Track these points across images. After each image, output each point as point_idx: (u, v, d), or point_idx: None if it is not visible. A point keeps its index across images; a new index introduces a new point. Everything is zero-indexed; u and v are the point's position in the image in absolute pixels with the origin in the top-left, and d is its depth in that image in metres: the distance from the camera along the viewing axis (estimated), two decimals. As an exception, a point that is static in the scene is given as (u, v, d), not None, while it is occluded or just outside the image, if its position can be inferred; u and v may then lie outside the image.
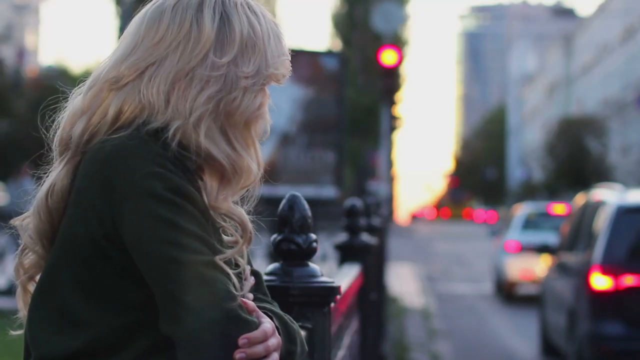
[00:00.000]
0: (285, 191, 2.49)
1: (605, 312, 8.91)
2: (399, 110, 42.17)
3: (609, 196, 9.92)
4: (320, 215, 11.56)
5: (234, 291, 1.85)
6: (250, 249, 2.11)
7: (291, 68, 2.07)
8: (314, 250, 2.36)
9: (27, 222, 2.03)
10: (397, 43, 40.22)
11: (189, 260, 1.83)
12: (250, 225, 2.00)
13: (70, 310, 1.92)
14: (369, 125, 40.47)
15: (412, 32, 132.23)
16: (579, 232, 10.43)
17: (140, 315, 1.90)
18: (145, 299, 1.89)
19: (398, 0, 33.40)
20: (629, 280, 8.87)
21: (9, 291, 13.60)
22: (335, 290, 2.40)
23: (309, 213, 2.36)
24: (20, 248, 2.05)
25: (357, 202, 5.43)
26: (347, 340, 3.73)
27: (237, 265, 1.95)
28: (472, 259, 31.50)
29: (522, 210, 21.25)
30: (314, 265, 2.39)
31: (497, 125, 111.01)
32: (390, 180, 30.61)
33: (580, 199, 11.55)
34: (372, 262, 6.29)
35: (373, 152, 42.59)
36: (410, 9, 58.00)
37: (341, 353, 3.36)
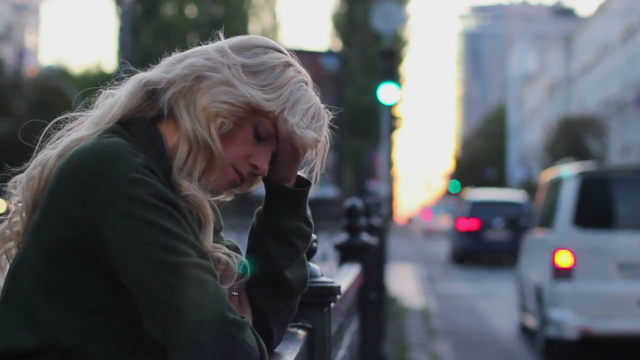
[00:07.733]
0: (285, 191, 2.49)
1: (467, 239, 27.43)
2: (399, 110, 42.15)
3: (472, 194, 25.95)
4: (320, 215, 11.52)
5: (224, 291, 1.87)
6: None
7: None
8: (314, 250, 2.36)
9: None
10: (397, 43, 40.22)
11: (178, 263, 1.83)
12: (202, 204, 2.00)
13: (31, 307, 1.91)
14: (369, 125, 40.40)
15: (412, 32, 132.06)
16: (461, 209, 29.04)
17: (99, 319, 1.90)
18: (106, 304, 1.89)
19: (398, 0, 33.34)
20: (474, 224, 27.33)
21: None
22: (335, 290, 2.40)
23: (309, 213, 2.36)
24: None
25: (357, 202, 5.43)
26: (347, 340, 3.73)
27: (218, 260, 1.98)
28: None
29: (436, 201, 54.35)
30: (314, 265, 2.39)
31: (497, 125, 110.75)
32: (390, 180, 30.56)
33: (465, 194, 23.82)
34: (372, 262, 6.28)
35: (373, 152, 42.51)
36: (410, 9, 57.96)
37: (341, 353, 3.36)
